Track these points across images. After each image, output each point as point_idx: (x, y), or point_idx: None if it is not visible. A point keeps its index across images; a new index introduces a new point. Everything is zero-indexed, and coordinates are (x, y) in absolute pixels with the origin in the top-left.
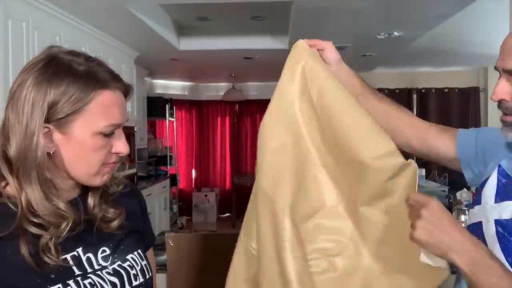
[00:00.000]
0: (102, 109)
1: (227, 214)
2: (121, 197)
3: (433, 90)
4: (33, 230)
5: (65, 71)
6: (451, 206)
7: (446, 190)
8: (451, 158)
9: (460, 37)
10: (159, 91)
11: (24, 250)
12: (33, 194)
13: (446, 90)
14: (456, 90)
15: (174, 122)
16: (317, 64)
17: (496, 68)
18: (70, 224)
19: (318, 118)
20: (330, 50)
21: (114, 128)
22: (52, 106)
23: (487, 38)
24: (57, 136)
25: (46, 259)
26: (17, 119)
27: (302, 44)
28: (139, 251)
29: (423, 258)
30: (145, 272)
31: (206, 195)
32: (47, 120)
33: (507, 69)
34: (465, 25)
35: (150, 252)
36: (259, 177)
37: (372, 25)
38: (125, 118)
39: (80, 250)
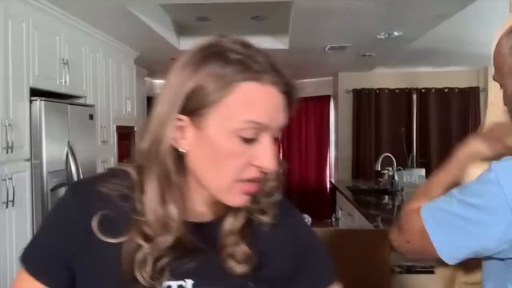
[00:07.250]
0: (242, 102)
1: None
2: (265, 234)
3: (433, 90)
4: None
5: (215, 57)
6: None
7: None
8: None
9: (460, 37)
10: (159, 91)
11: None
12: (148, 192)
13: (446, 90)
14: (456, 90)
15: None
16: None
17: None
18: (172, 241)
19: None
20: None
21: (257, 131)
22: (190, 94)
23: (487, 38)
24: (191, 131)
25: (138, 276)
26: (156, 108)
27: None
28: None
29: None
30: None
31: None
32: (183, 111)
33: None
34: (465, 25)
35: None
36: None
37: (372, 25)
38: (277, 121)
39: (189, 281)
